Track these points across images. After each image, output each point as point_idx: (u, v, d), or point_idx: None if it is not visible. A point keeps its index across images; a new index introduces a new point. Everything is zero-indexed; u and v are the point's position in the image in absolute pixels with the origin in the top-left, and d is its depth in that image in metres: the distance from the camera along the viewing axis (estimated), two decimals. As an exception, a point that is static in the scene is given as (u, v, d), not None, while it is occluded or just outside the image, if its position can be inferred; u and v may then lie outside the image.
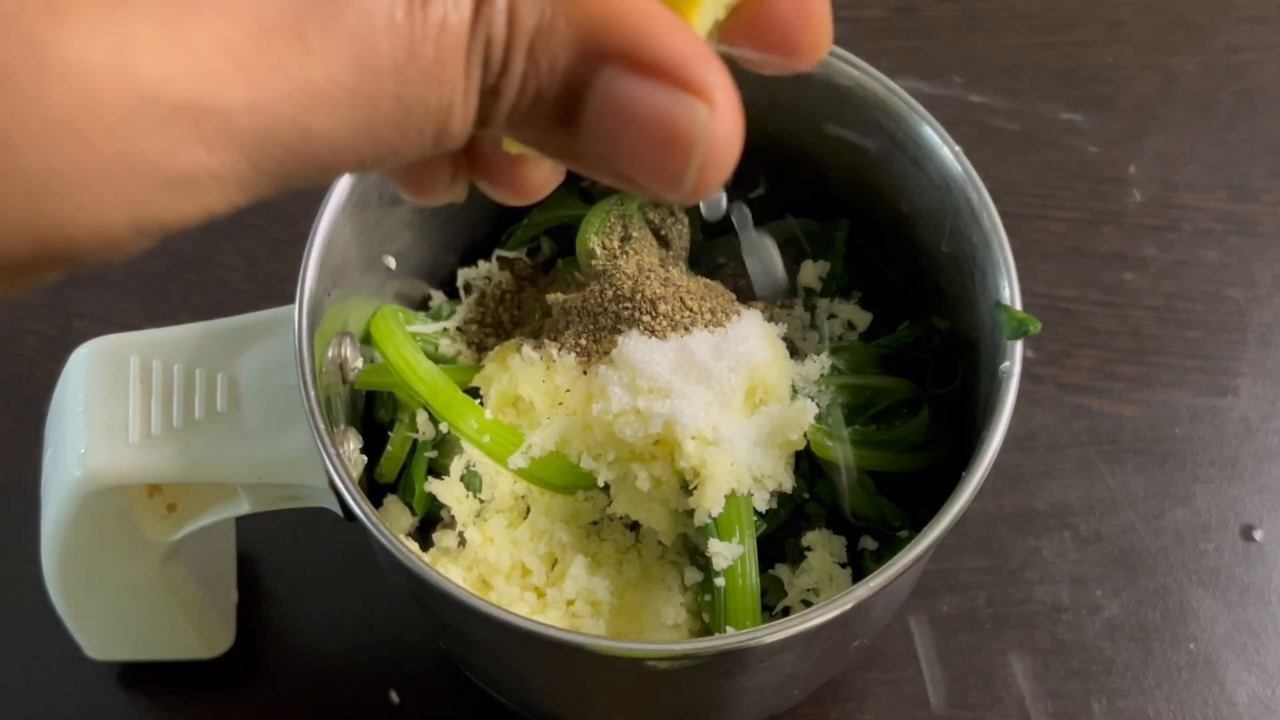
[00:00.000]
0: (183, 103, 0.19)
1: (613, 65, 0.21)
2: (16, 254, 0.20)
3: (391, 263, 0.48)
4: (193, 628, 0.51)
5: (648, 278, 0.45)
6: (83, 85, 0.19)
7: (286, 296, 0.42)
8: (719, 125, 0.22)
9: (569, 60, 0.21)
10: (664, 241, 0.49)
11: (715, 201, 0.41)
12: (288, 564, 0.56)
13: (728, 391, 0.43)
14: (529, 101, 0.22)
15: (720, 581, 0.42)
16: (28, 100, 0.19)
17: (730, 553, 0.41)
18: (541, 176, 0.26)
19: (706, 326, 0.44)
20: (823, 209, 0.51)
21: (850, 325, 0.50)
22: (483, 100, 0.22)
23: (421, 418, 0.46)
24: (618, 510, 0.44)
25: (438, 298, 0.51)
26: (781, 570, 0.45)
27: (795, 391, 0.45)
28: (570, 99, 0.22)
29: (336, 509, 0.41)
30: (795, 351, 0.47)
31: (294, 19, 0.20)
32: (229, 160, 0.20)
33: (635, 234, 0.48)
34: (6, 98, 0.19)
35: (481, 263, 0.51)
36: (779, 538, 0.45)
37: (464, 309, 0.49)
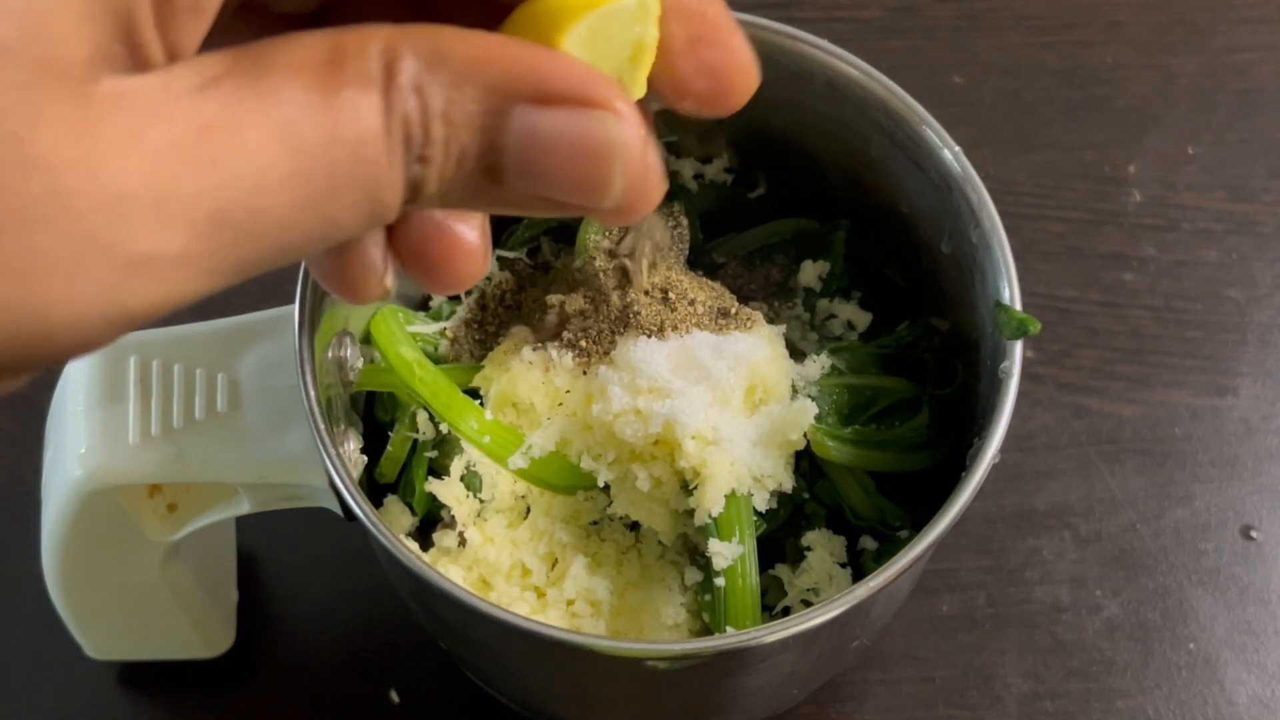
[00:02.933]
0: (140, 192, 0.22)
1: (522, 106, 0.24)
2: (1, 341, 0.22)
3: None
4: (193, 628, 0.51)
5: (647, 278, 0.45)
6: (54, 179, 0.21)
7: (286, 296, 0.42)
8: (628, 131, 0.24)
9: (483, 116, 0.24)
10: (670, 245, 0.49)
11: None
12: (288, 564, 0.56)
13: (727, 391, 0.43)
14: (454, 162, 0.24)
15: (720, 581, 0.42)
16: (9, 191, 0.21)
17: (730, 553, 0.42)
18: (472, 267, 0.28)
19: (706, 327, 0.44)
20: (823, 209, 0.51)
21: (850, 325, 0.50)
22: (413, 172, 0.24)
23: (421, 418, 0.46)
24: (618, 510, 0.44)
25: (438, 298, 0.51)
26: (781, 570, 0.45)
27: (795, 391, 0.45)
28: (492, 150, 0.24)
29: (336, 509, 0.41)
30: (795, 351, 0.47)
31: (230, 119, 0.22)
32: (186, 244, 0.22)
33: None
34: None
35: (482, 263, 0.50)
36: (779, 538, 0.45)
37: (464, 309, 0.49)
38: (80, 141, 0.21)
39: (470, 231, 0.27)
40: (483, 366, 0.46)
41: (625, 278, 0.46)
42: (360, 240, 0.27)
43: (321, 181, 0.23)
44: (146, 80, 0.22)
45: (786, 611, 0.45)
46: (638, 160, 0.24)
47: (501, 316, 0.49)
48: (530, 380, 0.44)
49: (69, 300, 0.22)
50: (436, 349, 0.48)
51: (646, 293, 0.45)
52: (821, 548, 0.44)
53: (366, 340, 0.47)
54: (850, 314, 0.50)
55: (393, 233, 0.27)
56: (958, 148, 0.44)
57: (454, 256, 0.27)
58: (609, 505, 0.44)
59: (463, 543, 0.44)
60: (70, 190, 0.21)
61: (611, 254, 0.47)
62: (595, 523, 0.45)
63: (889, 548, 0.44)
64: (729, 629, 0.41)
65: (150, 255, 0.22)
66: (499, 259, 0.51)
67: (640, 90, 0.27)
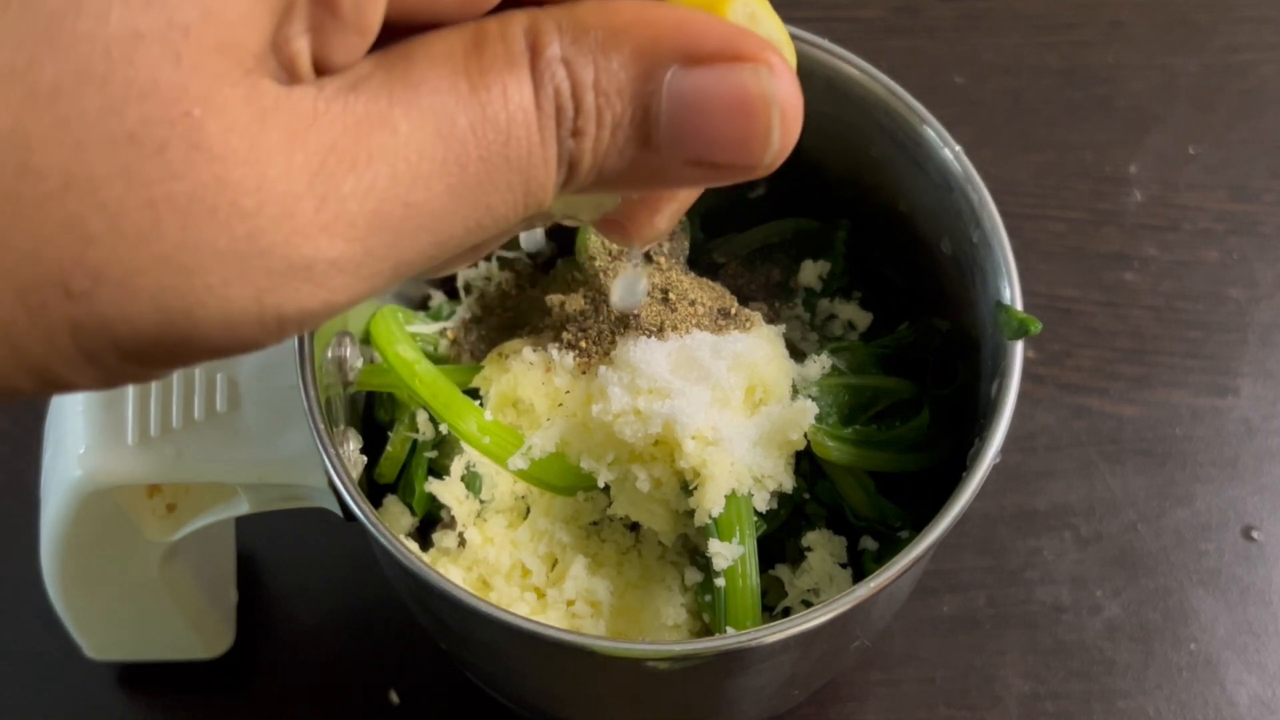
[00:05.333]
0: (303, 192, 0.21)
1: (675, 68, 0.23)
2: (143, 329, 0.21)
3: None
4: (193, 628, 0.51)
5: (648, 277, 0.45)
6: (224, 170, 0.21)
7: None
8: (781, 81, 0.24)
9: (634, 83, 0.23)
10: (664, 241, 0.49)
11: (633, 292, 0.43)
12: (288, 564, 0.56)
13: (727, 391, 0.43)
14: (609, 133, 0.24)
15: (720, 582, 0.42)
16: (176, 174, 0.20)
17: (730, 553, 0.41)
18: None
19: (706, 327, 0.44)
20: (823, 209, 0.51)
21: (850, 325, 0.50)
22: (567, 148, 0.23)
23: (421, 418, 0.46)
24: (618, 511, 0.44)
25: (438, 298, 0.51)
26: (781, 570, 0.45)
27: (795, 391, 0.45)
28: (645, 116, 0.24)
29: (336, 509, 0.41)
30: (795, 351, 0.47)
31: (380, 113, 0.22)
32: (344, 247, 0.22)
33: (635, 234, 0.48)
34: (156, 169, 0.20)
35: (481, 263, 0.50)
36: (779, 538, 0.45)
37: (464, 309, 0.49)
38: (249, 133, 0.21)
39: None
40: (483, 366, 0.46)
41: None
42: None
43: (475, 167, 0.23)
44: (301, 87, 0.22)
45: (787, 612, 0.45)
46: (791, 109, 0.24)
47: (501, 316, 0.49)
48: (530, 380, 0.44)
49: (223, 300, 0.21)
50: (436, 349, 0.48)
51: (647, 293, 0.45)
52: (822, 548, 0.44)
53: (366, 340, 0.47)
54: (850, 314, 0.50)
55: None
56: (958, 147, 0.44)
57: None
58: (609, 506, 0.44)
59: (462, 543, 0.44)
60: (238, 184, 0.21)
61: (611, 254, 0.47)
62: (595, 523, 0.45)
63: (889, 548, 0.44)
64: (729, 629, 0.41)
65: (310, 260, 0.22)
66: (499, 259, 0.51)
67: None
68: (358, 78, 0.22)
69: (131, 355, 0.21)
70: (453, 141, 0.22)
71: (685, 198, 0.30)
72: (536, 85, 0.23)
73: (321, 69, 0.23)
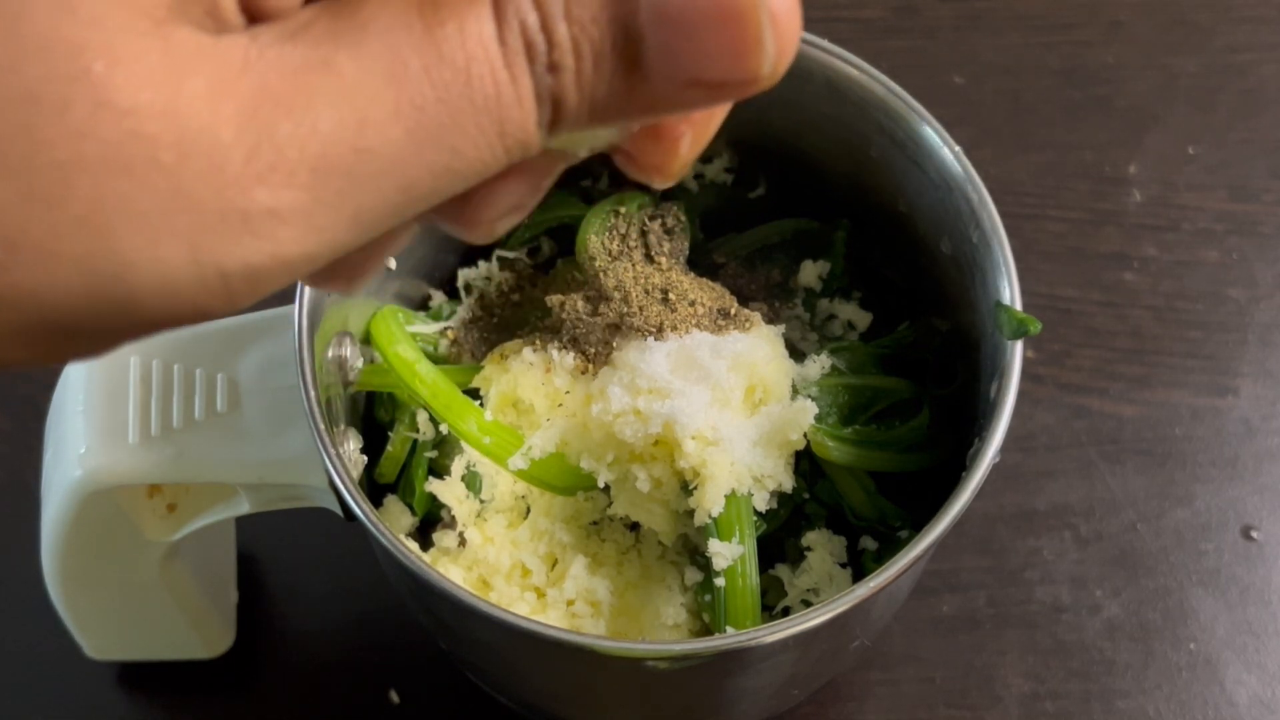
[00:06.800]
0: (230, 141, 0.20)
1: None
2: (73, 297, 0.20)
3: (391, 263, 0.48)
4: (193, 628, 0.51)
5: (647, 278, 0.45)
6: (136, 123, 0.19)
7: (286, 296, 0.42)
8: None
9: (608, 6, 0.22)
10: (664, 241, 0.49)
11: None
12: (288, 564, 0.56)
13: (727, 391, 0.43)
14: (590, 64, 0.22)
15: (720, 581, 0.42)
16: (82, 133, 0.19)
17: (730, 553, 0.41)
18: (496, 212, 0.26)
19: (706, 328, 0.44)
20: (823, 209, 0.51)
21: (850, 325, 0.50)
22: (544, 85, 0.22)
23: (422, 418, 0.46)
24: (618, 511, 0.44)
25: (438, 298, 0.51)
26: (781, 570, 0.45)
27: (795, 391, 0.45)
28: (627, 40, 0.22)
29: (336, 509, 0.41)
30: (795, 351, 0.47)
31: (322, 57, 0.21)
32: (285, 195, 0.20)
33: (635, 234, 0.48)
34: (61, 129, 0.19)
35: (481, 263, 0.51)
36: (779, 538, 0.45)
37: (464, 309, 0.49)
38: (164, 85, 0.20)
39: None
40: (483, 366, 0.46)
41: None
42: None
43: (433, 109, 0.21)
44: (230, 36, 0.21)
45: (786, 611, 0.45)
46: (785, 15, 0.22)
47: (501, 316, 0.49)
48: (530, 381, 0.44)
49: (153, 260, 0.20)
50: (436, 349, 0.48)
51: (646, 293, 0.45)
52: (822, 548, 0.44)
53: (366, 340, 0.47)
54: (850, 314, 0.50)
55: None
56: (958, 148, 0.44)
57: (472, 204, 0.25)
58: (609, 506, 0.44)
59: (463, 543, 0.44)
60: (153, 139, 0.19)
61: (611, 254, 0.47)
62: (595, 523, 0.45)
63: (889, 548, 0.44)
64: (729, 629, 0.41)
65: (244, 211, 0.20)
66: (499, 259, 0.51)
67: None
68: (299, 24, 0.21)
69: (66, 328, 0.21)
70: (405, 84, 0.21)
71: (704, 121, 0.27)
72: (500, 20, 0.21)
73: (257, 16, 0.21)
